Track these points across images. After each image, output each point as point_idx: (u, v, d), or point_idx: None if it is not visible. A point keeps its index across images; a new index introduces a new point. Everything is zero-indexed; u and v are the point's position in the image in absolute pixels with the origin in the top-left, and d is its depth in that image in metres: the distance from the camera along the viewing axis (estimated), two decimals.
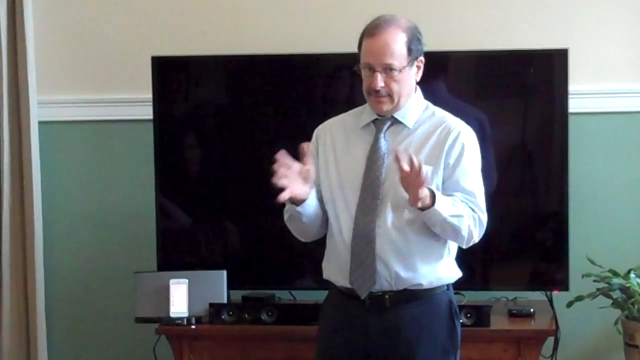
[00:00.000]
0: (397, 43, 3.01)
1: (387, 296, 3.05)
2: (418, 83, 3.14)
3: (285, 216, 3.14)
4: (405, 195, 2.96)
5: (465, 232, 3.02)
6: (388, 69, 3.01)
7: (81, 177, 4.33)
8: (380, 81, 3.01)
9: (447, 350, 3.10)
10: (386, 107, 3.06)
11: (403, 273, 3.03)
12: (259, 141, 4.01)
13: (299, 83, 4.04)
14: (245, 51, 4.04)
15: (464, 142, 3.06)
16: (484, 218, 3.08)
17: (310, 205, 3.06)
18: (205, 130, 4.10)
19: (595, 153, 4.04)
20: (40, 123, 4.25)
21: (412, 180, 2.86)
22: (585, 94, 3.99)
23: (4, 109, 4.21)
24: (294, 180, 2.95)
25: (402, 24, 3.05)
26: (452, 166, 3.05)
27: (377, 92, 3.03)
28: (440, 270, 3.09)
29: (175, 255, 4.05)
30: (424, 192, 2.89)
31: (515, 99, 3.95)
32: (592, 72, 4.04)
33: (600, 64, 4.05)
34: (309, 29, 4.13)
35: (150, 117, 4.01)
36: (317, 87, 4.07)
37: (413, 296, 3.05)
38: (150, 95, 4.01)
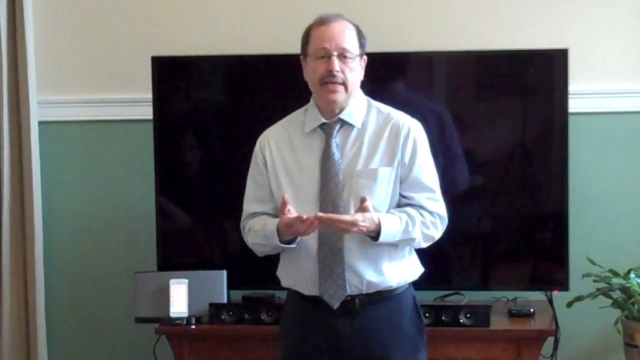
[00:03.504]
0: (351, 31, 3.04)
1: (357, 300, 3.04)
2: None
3: (261, 248, 3.15)
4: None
5: (419, 245, 3.07)
6: (343, 55, 3.00)
7: (81, 177, 4.33)
8: (337, 65, 2.99)
9: (417, 346, 3.12)
10: (340, 96, 3.02)
11: (375, 278, 3.03)
12: None
13: (299, 83, 4.02)
14: (245, 51, 4.04)
15: (415, 138, 3.06)
16: (444, 211, 3.10)
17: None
18: (205, 130, 4.10)
19: (595, 153, 4.04)
20: (40, 123, 4.25)
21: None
22: (585, 94, 3.99)
23: (4, 109, 4.21)
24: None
25: (349, 20, 3.07)
26: (409, 164, 3.05)
27: (334, 77, 2.99)
28: (406, 268, 3.10)
29: (175, 255, 4.05)
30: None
31: (515, 99, 3.95)
32: (592, 72, 4.04)
33: (600, 64, 4.05)
34: None
35: (150, 117, 4.01)
36: None
37: (381, 297, 3.05)
38: (150, 95, 4.01)
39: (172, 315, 3.80)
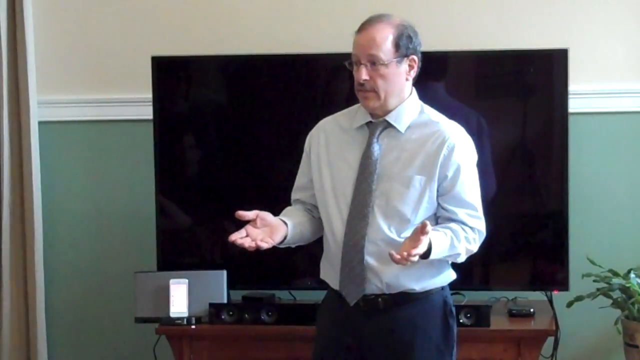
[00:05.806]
0: (383, 37, 2.97)
1: (380, 299, 3.02)
2: (416, 83, 3.12)
3: None
4: (396, 205, 2.97)
5: (461, 260, 3.02)
6: (372, 62, 2.96)
7: (81, 177, 4.33)
8: (364, 74, 2.96)
9: (441, 351, 3.06)
10: (373, 103, 3.00)
11: (394, 282, 3.00)
12: (259, 141, 4.01)
13: (299, 83, 4.04)
14: (245, 51, 4.04)
15: (460, 153, 3.00)
16: (484, 227, 3.05)
17: (292, 235, 3.05)
18: (205, 130, 4.10)
19: (595, 153, 4.04)
20: (40, 123, 4.25)
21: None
22: (585, 94, 3.99)
23: (4, 109, 4.21)
24: (261, 234, 2.96)
25: (393, 21, 3.01)
26: (451, 180, 2.99)
27: (362, 85, 2.97)
28: (433, 276, 3.05)
29: (175, 255, 4.05)
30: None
31: (515, 99, 3.95)
32: (592, 72, 4.04)
33: (600, 64, 4.05)
34: (309, 29, 4.13)
35: (150, 117, 4.01)
36: (317, 87, 4.07)
37: (407, 298, 3.03)
38: (150, 95, 4.01)
39: (172, 315, 3.80)
